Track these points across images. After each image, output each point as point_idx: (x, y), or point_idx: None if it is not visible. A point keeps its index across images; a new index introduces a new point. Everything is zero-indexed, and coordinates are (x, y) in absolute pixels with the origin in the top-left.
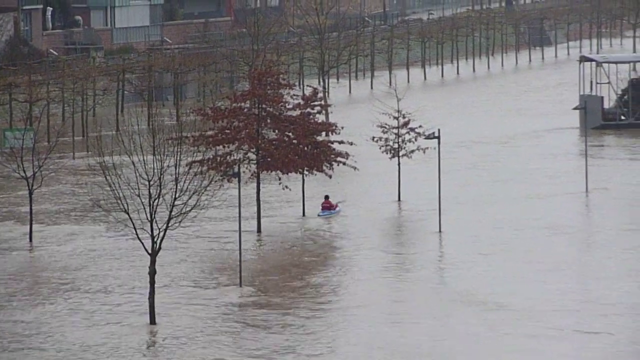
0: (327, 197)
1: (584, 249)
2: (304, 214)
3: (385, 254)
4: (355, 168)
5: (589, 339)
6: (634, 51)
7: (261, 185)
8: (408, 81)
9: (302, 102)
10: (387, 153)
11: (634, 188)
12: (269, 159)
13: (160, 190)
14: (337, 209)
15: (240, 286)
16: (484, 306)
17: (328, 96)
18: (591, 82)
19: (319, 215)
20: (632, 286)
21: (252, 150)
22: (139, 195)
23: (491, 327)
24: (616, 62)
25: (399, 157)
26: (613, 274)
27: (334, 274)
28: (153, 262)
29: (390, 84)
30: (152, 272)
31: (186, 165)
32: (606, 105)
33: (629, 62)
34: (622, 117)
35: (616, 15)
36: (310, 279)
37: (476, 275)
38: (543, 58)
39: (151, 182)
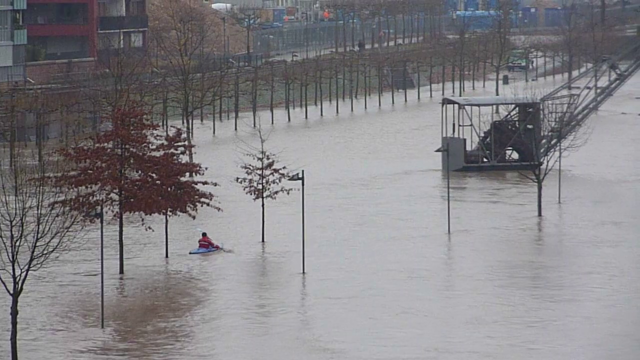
0: (204, 234)
1: (436, 294)
2: (167, 255)
3: (247, 298)
4: (219, 209)
5: None
6: (497, 94)
7: (124, 227)
8: (272, 122)
9: (165, 142)
10: (251, 194)
11: (494, 231)
12: (132, 200)
13: (22, 231)
14: (215, 247)
15: (102, 327)
16: (326, 353)
17: (192, 137)
18: (454, 124)
19: (190, 253)
20: (476, 335)
21: (114, 190)
22: (0, 236)
23: None
24: (479, 105)
25: (263, 198)
26: (459, 321)
27: (192, 319)
28: (15, 302)
29: (254, 125)
30: (14, 313)
31: (48, 206)
32: (469, 148)
33: (491, 105)
34: (485, 160)
35: (479, 58)
36: (167, 324)
37: (329, 321)
38: (406, 100)
39: (13, 223)
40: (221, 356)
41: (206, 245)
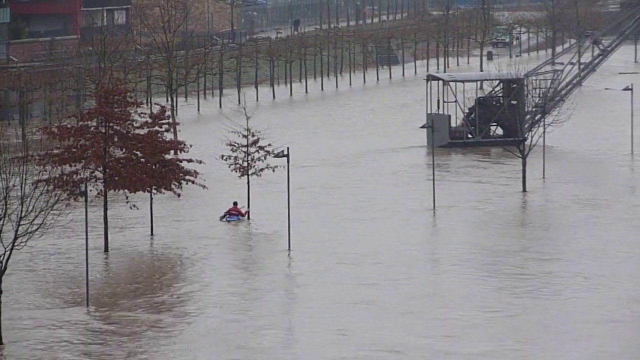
0: (235, 203)
1: (401, 283)
2: (152, 233)
3: (231, 277)
4: (204, 187)
5: None
6: (481, 70)
7: (109, 205)
8: (257, 100)
9: (149, 120)
10: (236, 171)
11: (478, 209)
12: (116, 178)
13: (5, 210)
14: (244, 216)
15: (87, 306)
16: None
17: (176, 114)
18: (438, 100)
19: (227, 221)
20: (429, 331)
21: (99, 168)
22: None
23: None
24: (463, 81)
25: (248, 175)
26: (418, 315)
27: (176, 297)
28: None
29: (239, 103)
30: None
31: (32, 184)
32: (453, 124)
33: (475, 81)
34: (469, 136)
35: (463, 34)
36: (151, 302)
37: (299, 311)
38: (390, 77)
39: None
40: (203, 338)
41: (236, 214)
